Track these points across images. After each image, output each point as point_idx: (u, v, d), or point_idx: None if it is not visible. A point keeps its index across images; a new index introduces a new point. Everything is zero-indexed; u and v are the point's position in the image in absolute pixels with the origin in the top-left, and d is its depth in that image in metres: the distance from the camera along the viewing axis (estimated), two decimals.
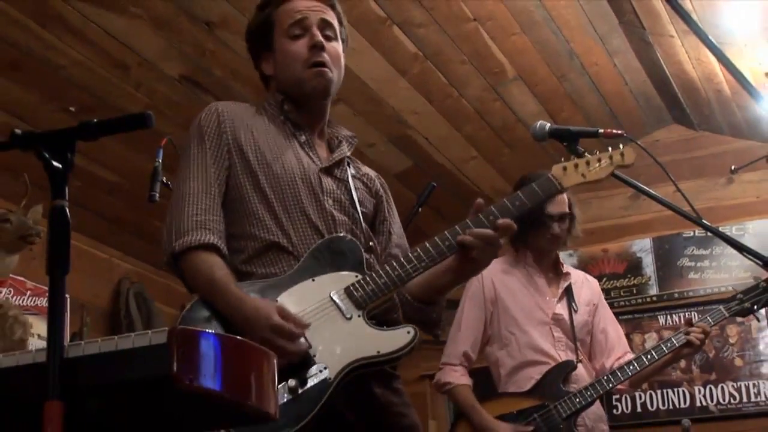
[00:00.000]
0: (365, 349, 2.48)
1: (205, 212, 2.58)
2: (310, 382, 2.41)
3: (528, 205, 2.71)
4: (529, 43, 5.38)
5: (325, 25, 2.75)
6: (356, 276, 2.57)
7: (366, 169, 2.91)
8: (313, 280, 2.55)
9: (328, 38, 2.75)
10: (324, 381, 2.41)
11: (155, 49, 4.60)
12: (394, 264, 2.58)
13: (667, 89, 6.24)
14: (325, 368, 2.43)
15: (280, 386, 2.32)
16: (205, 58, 4.74)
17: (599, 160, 2.79)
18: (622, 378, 4.11)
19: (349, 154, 2.82)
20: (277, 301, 2.49)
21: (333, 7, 2.82)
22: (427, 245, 2.60)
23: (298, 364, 2.41)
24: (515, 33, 5.26)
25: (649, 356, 4.14)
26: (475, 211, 2.65)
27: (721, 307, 4.28)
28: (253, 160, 2.65)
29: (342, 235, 2.62)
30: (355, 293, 2.54)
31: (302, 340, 2.42)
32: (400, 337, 2.51)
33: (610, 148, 2.81)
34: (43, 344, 1.61)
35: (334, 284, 2.55)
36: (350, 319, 2.51)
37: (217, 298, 2.48)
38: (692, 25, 3.62)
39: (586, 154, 2.82)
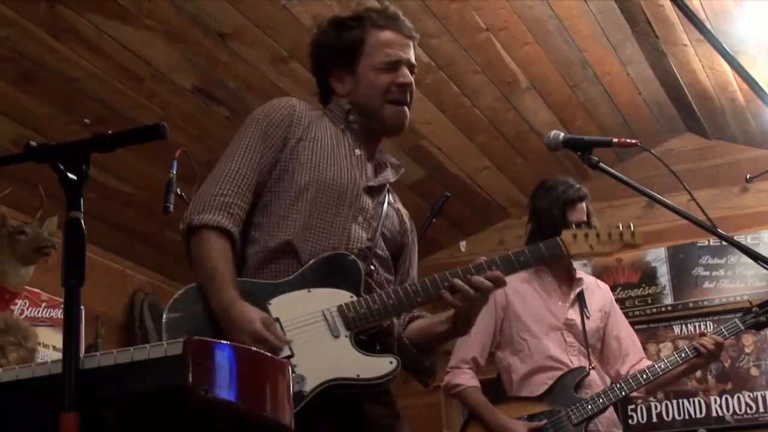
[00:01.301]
0: (345, 370, 2.48)
1: (234, 195, 2.61)
2: None
3: (532, 264, 2.77)
4: (542, 53, 5.38)
5: (411, 66, 2.79)
6: (351, 296, 2.57)
7: (401, 206, 2.93)
8: (309, 291, 2.57)
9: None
10: (299, 393, 2.40)
11: (169, 60, 4.61)
12: (391, 293, 2.59)
13: (681, 98, 6.23)
14: (303, 380, 2.43)
15: None
16: (219, 70, 4.75)
17: (609, 236, 2.83)
18: (635, 386, 4.09)
19: (392, 180, 2.84)
20: (269, 304, 2.52)
21: (414, 40, 2.85)
22: (426, 282, 2.61)
23: None
24: (528, 43, 5.25)
25: (662, 365, 4.12)
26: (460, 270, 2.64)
27: (736, 319, 4.25)
28: (304, 162, 2.67)
29: (346, 253, 2.62)
30: (348, 313, 2.54)
31: (285, 349, 2.43)
32: (382, 365, 2.52)
33: (620, 225, 2.85)
34: (58, 356, 1.61)
35: (329, 300, 2.55)
36: (338, 337, 2.52)
37: (211, 291, 2.50)
38: (706, 34, 3.60)
39: (596, 225, 2.92)
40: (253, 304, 2.47)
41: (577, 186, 4.25)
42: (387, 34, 2.78)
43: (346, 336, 2.52)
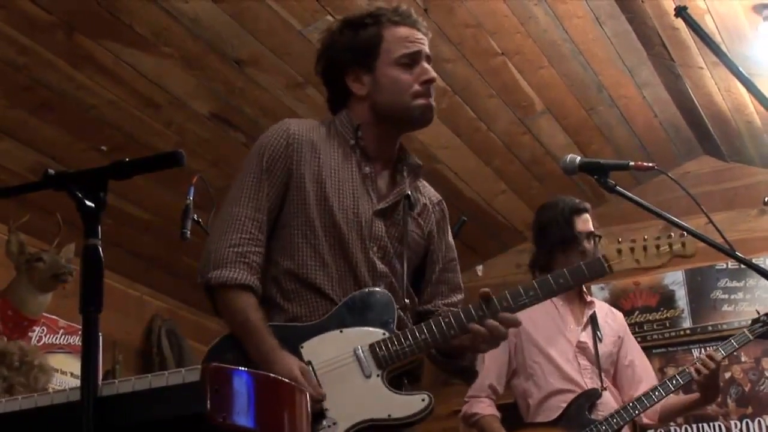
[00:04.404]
0: (377, 411, 2.47)
1: (247, 243, 2.58)
2: None
3: (572, 286, 2.71)
4: (557, 77, 5.38)
5: (429, 60, 2.77)
6: (384, 334, 2.55)
7: (426, 197, 2.87)
8: (341, 331, 2.55)
9: None
10: None
11: (185, 87, 4.63)
12: (424, 328, 2.56)
13: (697, 121, 6.21)
14: (335, 424, 2.42)
15: None
16: (235, 96, 4.77)
17: (658, 248, 2.74)
18: (648, 404, 4.07)
19: (408, 192, 2.77)
20: (302, 348, 2.51)
21: (427, 36, 2.82)
22: (461, 315, 2.59)
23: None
24: (543, 66, 5.26)
25: (674, 381, 4.11)
26: (483, 300, 2.61)
27: (745, 330, 4.24)
28: (310, 192, 2.63)
29: (378, 290, 2.60)
30: (379, 352, 2.52)
31: (321, 393, 2.43)
32: (414, 403, 2.50)
33: (672, 234, 2.76)
34: (76, 383, 1.61)
35: (360, 339, 2.54)
36: (369, 377, 2.50)
37: (249, 343, 2.50)
38: (721, 57, 3.60)
39: (645, 237, 2.75)
40: (286, 348, 2.47)
41: (579, 200, 4.28)
42: (404, 29, 2.75)
43: (378, 375, 2.50)
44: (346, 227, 2.62)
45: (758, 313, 4.30)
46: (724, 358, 4.16)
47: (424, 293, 2.82)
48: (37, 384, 3.87)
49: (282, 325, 2.55)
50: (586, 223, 4.22)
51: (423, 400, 2.50)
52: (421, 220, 2.80)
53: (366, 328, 2.55)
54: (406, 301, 2.67)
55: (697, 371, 4.10)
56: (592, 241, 4.22)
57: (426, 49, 2.76)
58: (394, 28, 2.74)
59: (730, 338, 4.23)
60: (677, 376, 4.13)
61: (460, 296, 2.86)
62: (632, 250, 2.72)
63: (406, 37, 2.74)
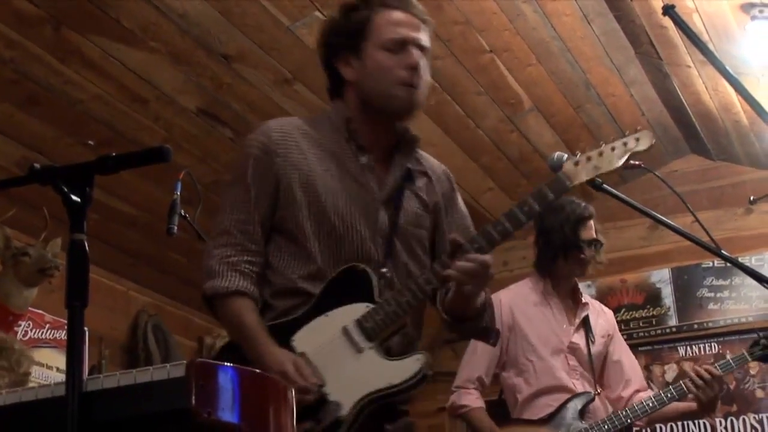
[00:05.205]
0: (377, 382, 2.47)
1: (239, 252, 2.58)
2: (325, 422, 2.41)
3: (537, 209, 2.58)
4: (545, 74, 5.39)
5: (421, 47, 2.66)
6: (367, 306, 2.54)
7: (429, 169, 2.80)
8: (327, 315, 2.54)
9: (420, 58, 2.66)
10: (337, 420, 2.41)
11: (173, 82, 4.62)
12: (404, 290, 2.54)
13: (685, 119, 6.23)
14: (338, 405, 2.42)
15: None
16: (223, 92, 4.76)
17: (613, 149, 2.63)
18: (640, 414, 4.08)
19: (404, 170, 2.71)
20: (293, 341, 2.50)
21: (426, 25, 2.72)
22: (435, 266, 2.55)
23: (313, 404, 2.41)
24: (531, 64, 5.27)
25: (669, 394, 4.12)
26: (453, 246, 2.53)
27: (744, 351, 4.25)
28: (300, 196, 2.59)
29: (354, 265, 2.57)
30: (366, 324, 2.52)
31: (314, 382, 2.42)
32: (409, 365, 2.50)
33: (626, 132, 2.67)
34: (61, 378, 1.61)
35: (346, 317, 2.53)
36: (362, 351, 2.50)
37: (243, 342, 2.51)
38: (709, 56, 3.61)
39: (601, 143, 2.66)
40: (279, 345, 2.48)
41: (584, 204, 4.26)
42: (396, 14, 2.66)
43: (371, 347, 2.51)
44: (341, 224, 2.59)
45: (758, 335, 4.30)
46: (721, 376, 4.16)
47: None
48: (20, 368, 3.87)
49: (270, 325, 2.55)
50: (590, 230, 4.23)
51: (417, 359, 2.50)
52: (424, 193, 2.75)
53: (350, 306, 2.54)
54: (384, 270, 2.61)
55: (693, 383, 4.10)
56: (593, 248, 4.23)
57: (419, 36, 2.66)
58: (385, 11, 2.66)
59: (729, 359, 4.24)
60: (672, 389, 4.13)
61: None
62: (589, 159, 2.62)
63: (397, 21, 2.65)
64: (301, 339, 2.52)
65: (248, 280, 2.57)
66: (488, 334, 2.77)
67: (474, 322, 2.67)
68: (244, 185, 2.62)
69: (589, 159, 2.62)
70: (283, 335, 2.52)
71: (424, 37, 2.69)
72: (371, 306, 2.53)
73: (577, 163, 2.63)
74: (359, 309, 2.54)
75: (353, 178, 2.65)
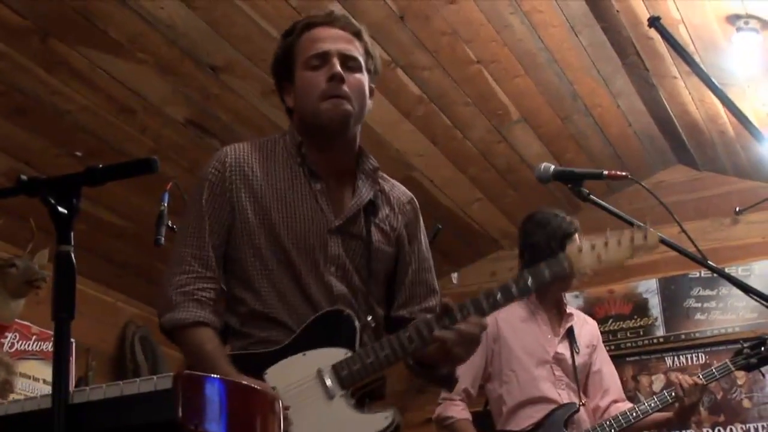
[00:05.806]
0: None
1: (194, 281, 2.56)
2: None
3: (533, 290, 2.60)
4: (533, 85, 5.40)
5: (346, 57, 2.62)
6: (346, 353, 2.50)
7: (394, 198, 2.76)
8: (304, 354, 2.51)
9: (350, 69, 2.62)
10: None
11: (161, 93, 4.62)
12: (385, 344, 2.50)
13: (671, 130, 6.25)
14: None
15: None
16: (211, 103, 4.76)
17: (618, 242, 2.62)
18: (624, 424, 4.11)
19: (366, 200, 2.66)
20: (266, 374, 2.47)
21: (359, 37, 2.68)
22: (420, 326, 2.51)
23: None
24: (519, 75, 5.28)
25: (653, 403, 4.15)
26: (444, 311, 2.51)
27: (727, 361, 4.27)
28: (254, 222, 2.57)
29: (337, 309, 2.55)
30: (341, 371, 2.48)
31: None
32: (378, 421, 2.47)
33: (634, 227, 2.67)
34: (48, 390, 1.60)
35: (323, 360, 2.50)
36: (332, 398, 2.47)
37: (203, 371, 2.47)
38: (695, 67, 3.64)
39: (607, 231, 2.64)
40: (251, 376, 2.43)
41: (569, 219, 4.26)
42: (317, 31, 2.65)
43: (342, 395, 2.47)
44: (296, 253, 2.56)
45: (742, 344, 4.32)
46: (705, 385, 4.18)
47: (398, 298, 2.74)
48: None
49: (244, 354, 2.53)
50: (575, 243, 4.23)
51: (386, 417, 2.47)
52: (386, 225, 2.71)
53: (329, 349, 2.51)
54: (369, 318, 2.60)
55: (676, 392, 4.12)
56: None
57: (343, 47, 2.62)
58: (308, 31, 2.66)
59: (712, 368, 4.25)
60: (656, 399, 4.16)
61: (436, 299, 2.75)
62: (593, 247, 2.61)
63: (317, 37, 2.63)
64: (274, 373, 2.49)
65: (206, 309, 2.54)
66: (450, 381, 2.74)
67: (437, 369, 2.65)
68: (199, 212, 2.61)
69: (593, 247, 2.61)
70: (256, 366, 2.48)
71: (350, 47, 2.65)
72: (350, 353, 2.50)
73: (580, 249, 2.62)
74: (338, 354, 2.51)
75: (307, 204, 2.62)
